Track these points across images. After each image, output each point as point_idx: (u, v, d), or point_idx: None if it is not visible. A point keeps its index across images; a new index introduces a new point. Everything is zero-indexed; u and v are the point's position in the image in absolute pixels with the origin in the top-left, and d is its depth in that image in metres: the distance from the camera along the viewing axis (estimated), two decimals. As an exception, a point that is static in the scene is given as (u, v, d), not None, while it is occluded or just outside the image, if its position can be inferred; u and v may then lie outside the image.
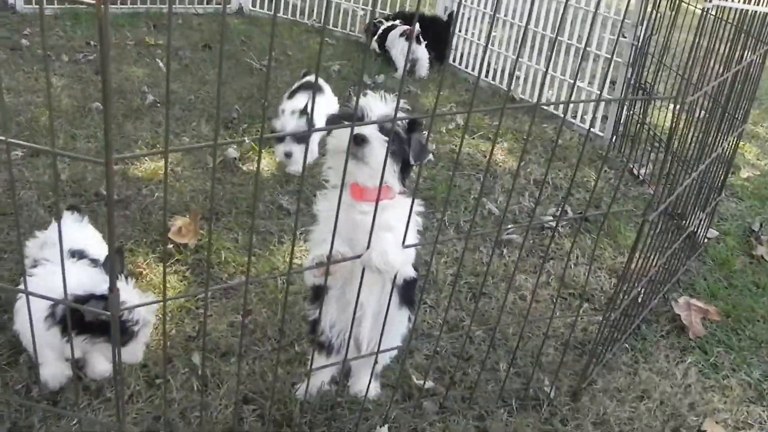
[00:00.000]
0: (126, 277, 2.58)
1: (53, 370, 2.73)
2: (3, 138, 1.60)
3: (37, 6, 7.19)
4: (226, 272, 3.57)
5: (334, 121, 2.45)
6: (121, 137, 4.85)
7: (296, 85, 5.13)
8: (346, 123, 2.19)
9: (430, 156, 2.46)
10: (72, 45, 6.56)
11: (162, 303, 2.03)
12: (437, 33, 7.14)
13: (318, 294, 2.53)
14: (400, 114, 2.17)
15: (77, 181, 4.19)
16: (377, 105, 2.40)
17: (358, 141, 2.30)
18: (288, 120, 4.36)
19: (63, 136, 4.73)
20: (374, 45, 7.30)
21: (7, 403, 2.65)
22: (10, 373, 2.83)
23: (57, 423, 2.65)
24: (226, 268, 3.59)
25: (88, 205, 3.97)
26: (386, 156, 2.23)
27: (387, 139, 2.30)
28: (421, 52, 7.03)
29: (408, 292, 2.62)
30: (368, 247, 2.27)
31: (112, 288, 1.83)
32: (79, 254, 2.77)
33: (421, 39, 6.99)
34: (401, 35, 7.06)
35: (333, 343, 2.68)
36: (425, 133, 2.48)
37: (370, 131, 2.32)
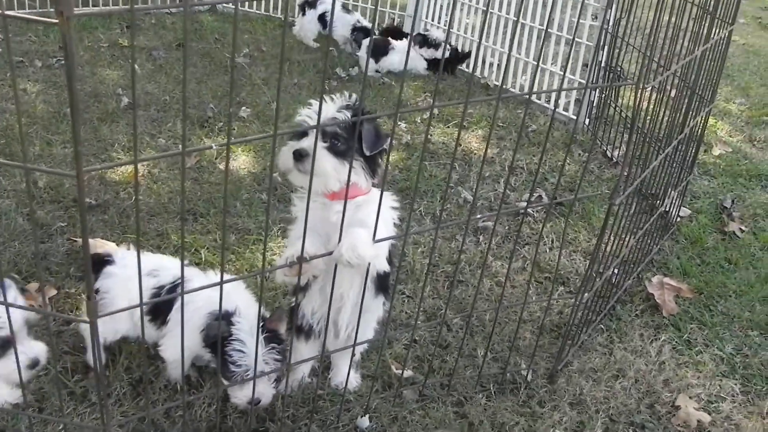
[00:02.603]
0: None
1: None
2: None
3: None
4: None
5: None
6: (97, 141, 4.86)
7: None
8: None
9: (386, 143, 2.47)
10: (45, 50, 6.55)
11: (139, 308, 2.07)
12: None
13: (301, 287, 2.59)
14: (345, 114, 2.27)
15: (54, 188, 4.21)
16: (324, 109, 2.42)
17: (297, 157, 2.40)
18: None
19: (39, 143, 4.74)
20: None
21: (-8, 410, 2.69)
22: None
23: (43, 429, 2.69)
24: (207, 269, 3.63)
25: (66, 211, 4.00)
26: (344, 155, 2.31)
27: (327, 144, 2.40)
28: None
29: (383, 282, 2.68)
30: (339, 242, 2.33)
31: (90, 296, 1.87)
32: None
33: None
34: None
35: (313, 329, 2.74)
36: (376, 122, 2.50)
37: (307, 143, 2.37)
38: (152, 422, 2.73)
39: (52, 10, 7.04)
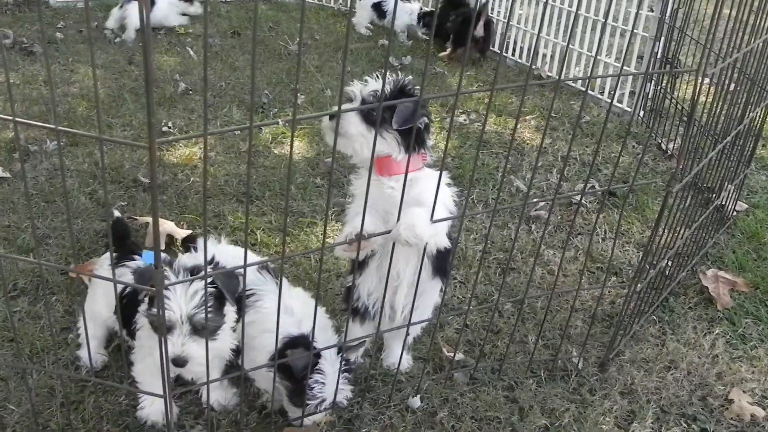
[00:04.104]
0: None
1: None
2: (53, 126, 1.70)
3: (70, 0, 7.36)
4: (263, 253, 3.68)
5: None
6: (156, 125, 4.97)
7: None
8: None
9: (424, 120, 2.49)
10: (105, 35, 6.70)
11: (204, 279, 2.14)
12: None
13: (357, 265, 2.63)
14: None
15: (115, 169, 4.33)
16: (368, 85, 2.53)
17: (331, 117, 2.47)
18: None
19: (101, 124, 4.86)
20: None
21: (59, 377, 2.78)
22: (60, 351, 2.98)
23: (106, 397, 2.79)
24: (263, 249, 3.71)
25: (126, 191, 4.11)
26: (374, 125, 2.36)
27: (363, 112, 2.46)
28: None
29: (441, 263, 2.67)
30: (398, 221, 2.36)
31: (157, 264, 1.93)
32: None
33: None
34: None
35: (369, 310, 2.75)
36: (420, 102, 2.43)
37: (343, 107, 2.42)
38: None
39: None
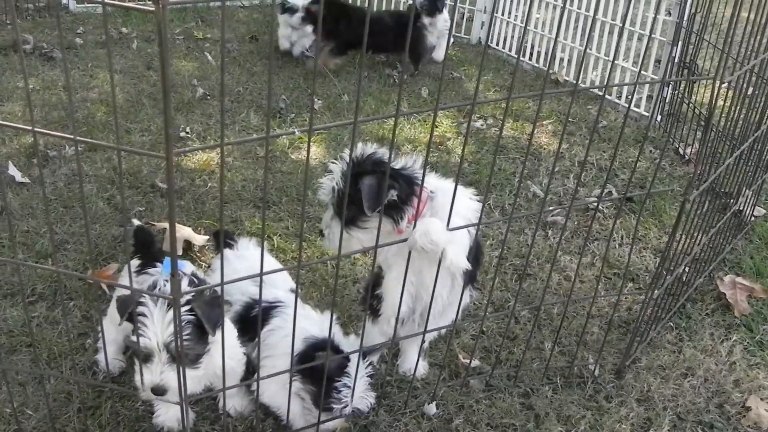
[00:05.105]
0: None
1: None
2: (71, 136, 1.72)
3: (90, 5, 7.42)
4: (280, 259, 3.70)
5: None
6: (174, 130, 5.01)
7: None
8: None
9: (390, 195, 2.39)
10: (123, 41, 6.75)
11: (220, 286, 2.15)
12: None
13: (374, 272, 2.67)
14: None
15: (133, 174, 4.36)
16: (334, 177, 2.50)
17: (320, 234, 2.64)
18: None
19: (119, 131, 4.91)
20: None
21: (76, 383, 2.81)
22: (77, 356, 3.01)
23: (122, 403, 2.81)
24: (279, 255, 3.72)
25: (144, 196, 4.14)
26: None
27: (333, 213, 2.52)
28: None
29: (471, 273, 2.65)
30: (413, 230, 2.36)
31: (174, 273, 1.95)
32: None
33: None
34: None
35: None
36: (381, 174, 2.35)
37: (324, 220, 2.59)
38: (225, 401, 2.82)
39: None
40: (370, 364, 2.64)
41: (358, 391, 2.55)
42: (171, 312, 2.21)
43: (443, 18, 6.46)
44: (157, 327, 2.22)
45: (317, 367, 2.48)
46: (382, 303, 2.68)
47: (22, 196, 4.07)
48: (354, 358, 2.55)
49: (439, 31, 6.54)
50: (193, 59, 6.49)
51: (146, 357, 2.25)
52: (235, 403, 2.80)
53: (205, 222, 3.94)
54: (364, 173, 2.38)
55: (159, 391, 2.27)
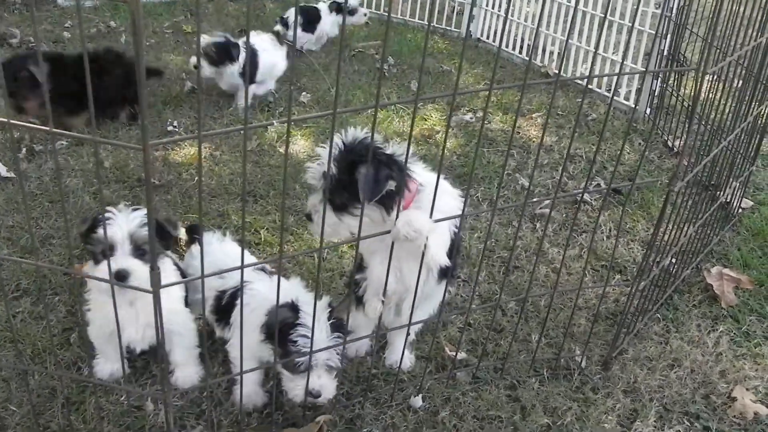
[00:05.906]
0: None
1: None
2: (48, 128, 1.71)
3: (78, -2, 7.38)
4: (266, 252, 3.69)
5: None
6: (161, 124, 4.99)
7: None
8: None
9: (389, 185, 2.35)
10: (111, 35, 6.72)
11: (201, 279, 2.14)
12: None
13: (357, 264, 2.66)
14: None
15: (120, 168, 4.34)
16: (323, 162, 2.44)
17: (308, 218, 2.56)
18: None
19: (104, 127, 4.89)
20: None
21: (60, 378, 2.80)
22: (61, 351, 3.00)
23: (107, 397, 2.80)
24: (266, 248, 3.71)
25: (131, 190, 4.12)
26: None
27: (323, 200, 2.42)
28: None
29: (446, 269, 2.65)
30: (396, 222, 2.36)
31: (153, 266, 1.94)
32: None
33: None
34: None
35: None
36: (379, 162, 2.34)
37: (311, 203, 2.53)
38: (210, 394, 2.81)
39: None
40: (331, 310, 2.63)
41: (322, 337, 2.52)
42: (135, 211, 2.53)
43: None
44: (121, 221, 2.49)
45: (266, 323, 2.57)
46: (366, 285, 2.69)
47: (8, 191, 4.05)
48: (309, 307, 2.52)
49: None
50: (181, 53, 6.46)
51: (111, 247, 2.45)
52: (190, 372, 2.92)
53: (192, 216, 3.92)
54: (360, 161, 2.33)
55: (122, 274, 2.43)
